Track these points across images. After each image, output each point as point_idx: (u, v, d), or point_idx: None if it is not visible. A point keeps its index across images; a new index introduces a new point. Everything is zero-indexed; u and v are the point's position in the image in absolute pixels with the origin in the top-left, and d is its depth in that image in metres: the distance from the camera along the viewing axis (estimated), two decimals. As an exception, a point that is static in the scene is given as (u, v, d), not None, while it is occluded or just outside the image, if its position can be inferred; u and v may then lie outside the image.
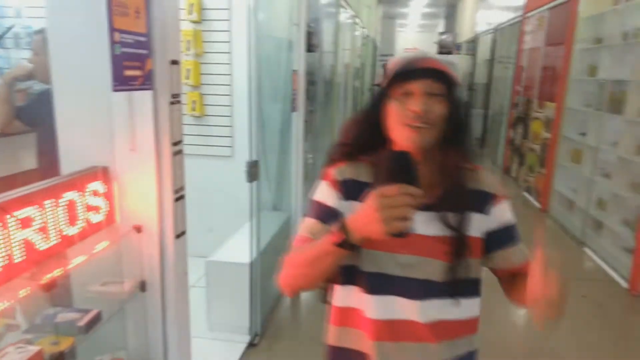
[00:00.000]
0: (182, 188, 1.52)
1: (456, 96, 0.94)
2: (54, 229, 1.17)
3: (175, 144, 1.47)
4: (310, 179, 4.45)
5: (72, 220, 1.24)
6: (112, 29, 1.19)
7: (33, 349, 1.06)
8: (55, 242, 1.17)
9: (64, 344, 1.15)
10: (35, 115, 2.14)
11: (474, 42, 11.03)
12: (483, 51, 10.12)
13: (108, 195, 1.40)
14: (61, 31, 1.44)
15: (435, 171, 0.95)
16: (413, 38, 21.60)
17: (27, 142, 2.11)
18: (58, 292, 1.27)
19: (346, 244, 0.82)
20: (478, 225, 0.97)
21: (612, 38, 4.12)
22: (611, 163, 4.07)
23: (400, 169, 0.79)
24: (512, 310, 3.24)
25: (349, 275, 0.98)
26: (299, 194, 3.63)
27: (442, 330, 0.97)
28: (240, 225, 3.11)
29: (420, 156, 0.90)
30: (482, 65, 10.08)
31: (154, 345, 1.53)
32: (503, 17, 8.15)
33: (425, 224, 0.94)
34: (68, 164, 1.44)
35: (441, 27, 18.42)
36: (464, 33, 12.91)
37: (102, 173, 1.39)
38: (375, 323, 0.97)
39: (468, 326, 1.01)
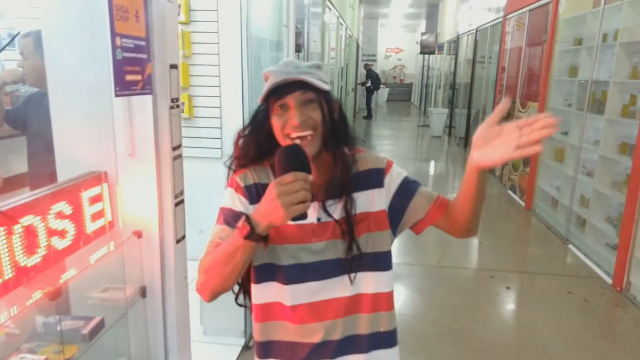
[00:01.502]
0: (181, 192, 1.51)
1: (327, 97, 1.04)
2: (56, 235, 1.15)
3: (175, 148, 1.46)
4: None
5: (75, 226, 1.22)
6: (114, 34, 1.18)
7: (38, 358, 1.05)
8: (56, 250, 1.15)
9: (68, 352, 1.14)
10: (23, 118, 2.10)
11: (455, 42, 11.17)
12: (465, 51, 10.26)
13: (109, 201, 1.38)
14: (57, 34, 1.42)
15: (327, 167, 1.06)
16: (395, 38, 21.78)
17: (17, 145, 2.08)
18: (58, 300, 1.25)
19: (254, 235, 0.87)
20: (379, 199, 1.08)
21: (592, 39, 4.23)
22: (593, 162, 4.17)
23: (292, 159, 0.89)
24: (501, 307, 3.30)
25: (265, 272, 1.06)
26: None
27: (361, 303, 1.07)
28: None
29: (312, 158, 1.01)
30: (464, 65, 10.22)
31: (154, 351, 1.52)
32: (484, 18, 8.28)
33: (325, 212, 1.05)
34: (65, 169, 1.42)
35: (423, 27, 18.60)
36: (446, 33, 13.06)
37: (102, 178, 1.37)
38: (297, 308, 1.04)
39: (385, 300, 1.09)
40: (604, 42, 4.05)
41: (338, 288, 1.05)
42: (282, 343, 1.08)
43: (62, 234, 1.17)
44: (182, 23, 3.30)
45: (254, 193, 1.04)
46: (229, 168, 1.12)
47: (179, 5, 3.29)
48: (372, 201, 1.07)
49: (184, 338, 1.58)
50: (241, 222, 0.88)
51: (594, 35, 4.17)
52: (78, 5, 1.38)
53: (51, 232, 1.14)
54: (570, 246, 4.31)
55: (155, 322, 1.50)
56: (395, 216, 1.09)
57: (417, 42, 16.30)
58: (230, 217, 1.03)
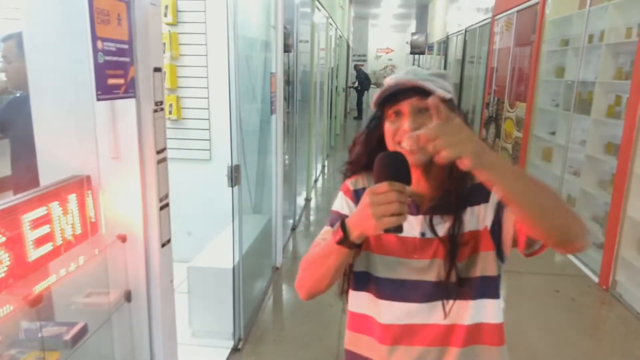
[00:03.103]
0: (166, 196, 1.50)
1: (447, 107, 0.94)
2: (39, 241, 1.14)
3: (160, 151, 1.45)
4: (287, 180, 4.46)
5: (57, 231, 1.21)
6: (95, 37, 1.17)
7: (19, 365, 1.04)
8: (40, 254, 1.14)
9: (50, 359, 1.13)
10: (3, 121, 2.08)
11: (445, 42, 11.22)
12: (454, 51, 10.31)
13: (92, 205, 1.37)
14: (38, 36, 1.40)
15: (439, 179, 0.98)
16: (385, 38, 21.83)
17: (1, 148, 2.05)
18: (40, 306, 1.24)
19: (346, 242, 0.85)
20: (485, 215, 0.96)
21: (578, 40, 4.27)
22: (580, 161, 4.22)
23: (390, 167, 0.82)
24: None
25: (362, 281, 1.02)
26: (279, 195, 3.63)
27: (454, 334, 0.97)
28: (219, 228, 3.09)
29: (422, 169, 0.96)
30: (454, 65, 10.27)
31: (139, 356, 1.50)
32: (473, 18, 8.33)
33: (435, 227, 0.97)
34: (48, 173, 1.41)
35: (413, 27, 18.67)
36: (436, 33, 13.11)
37: (85, 182, 1.36)
38: (389, 328, 0.99)
39: (488, 333, 0.98)
40: (589, 43, 4.10)
41: (436, 313, 0.97)
42: None
43: (42, 240, 1.16)
44: (169, 24, 3.29)
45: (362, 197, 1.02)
46: (344, 174, 1.10)
47: (167, 7, 3.28)
48: (479, 218, 0.96)
49: (170, 343, 1.57)
50: (336, 227, 0.86)
51: (579, 36, 4.22)
52: (59, 6, 1.36)
53: (32, 239, 1.12)
54: (558, 245, 4.35)
55: (140, 327, 1.49)
56: (496, 231, 0.95)
57: (407, 43, 16.36)
58: (335, 220, 1.01)
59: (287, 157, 4.50)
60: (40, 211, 1.15)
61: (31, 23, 1.41)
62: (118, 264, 1.43)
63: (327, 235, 0.98)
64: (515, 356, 2.86)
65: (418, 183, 0.98)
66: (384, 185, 0.79)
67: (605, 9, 3.88)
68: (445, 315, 0.96)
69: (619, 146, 3.42)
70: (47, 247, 1.17)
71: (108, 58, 1.22)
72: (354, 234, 0.84)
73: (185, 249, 3.19)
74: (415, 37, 14.06)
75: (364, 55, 20.25)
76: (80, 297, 1.38)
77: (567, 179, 4.38)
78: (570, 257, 4.05)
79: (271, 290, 3.30)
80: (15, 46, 1.91)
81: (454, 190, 0.96)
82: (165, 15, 3.26)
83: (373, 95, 1.01)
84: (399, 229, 0.79)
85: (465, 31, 8.91)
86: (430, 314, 0.97)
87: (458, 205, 0.97)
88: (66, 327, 1.24)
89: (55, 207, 1.21)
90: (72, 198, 1.29)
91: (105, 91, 1.22)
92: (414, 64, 17.05)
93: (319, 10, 6.26)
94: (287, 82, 4.71)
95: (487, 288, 0.97)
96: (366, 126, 1.05)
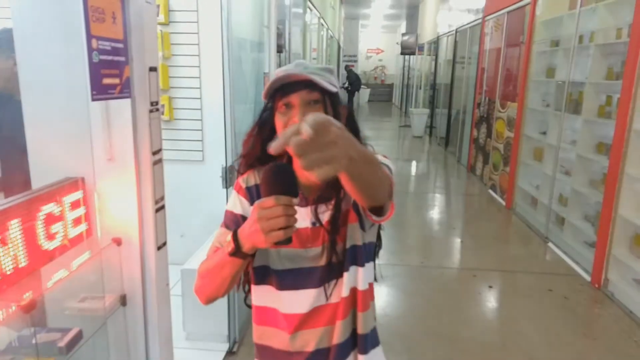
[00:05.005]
0: (162, 198, 1.48)
1: (334, 101, 1.00)
2: (32, 244, 1.11)
3: (155, 152, 1.43)
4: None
5: (50, 235, 1.18)
6: (90, 36, 1.15)
7: (13, 373, 1.01)
8: (32, 258, 1.11)
9: (45, 366, 1.10)
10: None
11: (436, 43, 11.27)
12: (445, 52, 10.36)
13: (86, 208, 1.34)
14: (30, 35, 1.37)
15: None
16: (376, 39, 21.89)
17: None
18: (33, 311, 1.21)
19: (239, 254, 0.86)
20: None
21: (568, 41, 4.30)
22: (571, 161, 4.25)
23: (277, 180, 0.82)
24: (484, 306, 3.33)
25: (261, 275, 1.04)
26: (272, 197, 3.60)
27: (350, 303, 1.03)
28: (212, 230, 3.06)
29: None
30: (444, 66, 10.31)
31: (135, 360, 1.48)
32: (464, 19, 8.37)
33: (320, 215, 1.02)
34: (40, 175, 1.37)
35: (403, 28, 18.74)
36: (426, 34, 13.16)
37: (79, 184, 1.33)
38: (292, 317, 1.03)
39: (359, 299, 1.04)
40: (580, 44, 4.13)
41: (332, 295, 1.03)
42: (277, 351, 1.06)
43: (36, 243, 1.13)
44: (161, 24, 3.25)
45: (255, 194, 1.04)
46: (237, 170, 1.11)
47: (158, 6, 3.24)
48: (349, 196, 1.01)
49: (166, 347, 1.54)
50: (229, 238, 0.87)
51: (570, 36, 4.25)
52: (52, 4, 1.34)
53: (25, 242, 1.09)
54: (550, 244, 4.38)
55: (136, 331, 1.46)
56: (355, 204, 1.02)
57: (397, 43, 16.41)
58: (230, 220, 1.04)
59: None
60: (32, 215, 1.12)
61: (23, 21, 1.37)
62: (113, 268, 1.41)
63: (222, 238, 0.99)
64: (508, 354, 2.88)
65: (306, 175, 1.00)
66: (270, 200, 0.79)
67: (594, 10, 3.91)
68: (327, 294, 1.02)
69: (610, 146, 3.45)
70: (42, 251, 1.14)
71: (103, 57, 1.19)
72: (246, 247, 0.85)
73: (179, 251, 3.16)
74: (405, 37, 14.09)
75: (355, 56, 20.29)
76: (75, 302, 1.35)
77: (558, 179, 4.41)
78: (563, 256, 4.08)
79: (265, 292, 3.27)
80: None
81: (334, 179, 0.98)
82: (157, 14, 3.23)
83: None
84: (288, 240, 0.81)
85: (456, 32, 8.95)
86: (322, 296, 1.03)
87: (338, 192, 1.02)
88: (61, 333, 1.21)
89: (48, 210, 1.18)
90: (66, 201, 1.26)
91: (100, 91, 1.19)
92: (404, 65, 17.13)
93: (311, 10, 6.25)
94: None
95: (356, 256, 1.03)
96: (258, 117, 1.06)
